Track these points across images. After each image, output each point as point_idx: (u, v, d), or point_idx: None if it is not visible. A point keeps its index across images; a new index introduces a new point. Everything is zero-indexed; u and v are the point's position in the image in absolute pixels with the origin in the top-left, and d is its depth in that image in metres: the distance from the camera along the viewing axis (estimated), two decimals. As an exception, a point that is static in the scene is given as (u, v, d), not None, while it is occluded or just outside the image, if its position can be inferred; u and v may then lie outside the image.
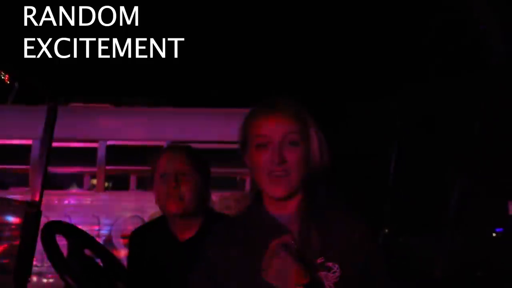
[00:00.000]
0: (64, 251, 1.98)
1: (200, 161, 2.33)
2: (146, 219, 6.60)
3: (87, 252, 2.03)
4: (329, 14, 10.77)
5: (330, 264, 1.58)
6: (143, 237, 2.40)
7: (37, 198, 2.48)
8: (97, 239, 6.69)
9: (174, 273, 2.13)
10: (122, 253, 6.59)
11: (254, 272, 1.56)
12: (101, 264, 2.10)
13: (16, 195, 6.61)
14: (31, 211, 2.44)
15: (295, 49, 11.27)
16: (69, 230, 2.02)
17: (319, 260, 1.58)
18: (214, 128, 7.06)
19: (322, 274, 1.57)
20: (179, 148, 2.38)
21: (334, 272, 1.57)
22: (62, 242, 2.03)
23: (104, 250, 2.15)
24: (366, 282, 1.57)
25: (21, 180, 7.47)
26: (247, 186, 7.41)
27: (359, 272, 1.56)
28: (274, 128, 1.63)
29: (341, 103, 10.19)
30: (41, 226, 2.21)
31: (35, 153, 6.60)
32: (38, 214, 2.52)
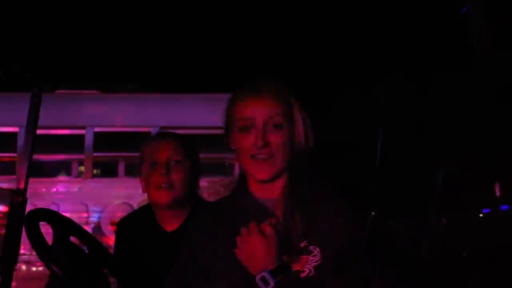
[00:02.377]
0: (49, 239, 1.97)
1: (190, 148, 2.28)
2: (135, 206, 6.60)
3: (73, 239, 2.02)
4: (319, 3, 10.75)
5: (312, 248, 1.58)
6: (129, 226, 2.37)
7: (22, 186, 2.46)
8: (86, 226, 6.70)
9: (161, 263, 2.11)
10: (111, 240, 6.58)
11: (234, 253, 1.57)
12: (87, 252, 2.09)
13: (2, 183, 6.58)
14: (16, 199, 2.42)
15: (284, 35, 11.24)
16: (54, 218, 2.00)
17: (302, 244, 1.58)
18: (202, 113, 7.05)
19: (304, 257, 1.58)
20: (169, 135, 2.33)
21: (314, 255, 1.57)
22: (48, 230, 2.02)
23: (90, 237, 2.14)
24: (346, 266, 1.57)
25: (8, 168, 7.43)
26: (236, 171, 7.41)
27: (339, 256, 1.57)
28: (257, 111, 1.61)
29: (329, 90, 10.20)
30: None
31: (21, 140, 6.56)
32: (24, 202, 2.51)
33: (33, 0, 10.81)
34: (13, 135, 6.79)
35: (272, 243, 1.53)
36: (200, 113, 7.13)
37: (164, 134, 2.39)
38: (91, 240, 2.11)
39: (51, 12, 11.05)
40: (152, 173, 2.20)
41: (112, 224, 6.82)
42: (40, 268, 6.22)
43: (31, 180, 2.48)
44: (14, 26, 10.58)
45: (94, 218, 6.91)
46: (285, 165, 1.64)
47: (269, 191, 1.67)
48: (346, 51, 10.33)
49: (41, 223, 1.96)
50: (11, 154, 7.15)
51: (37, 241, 1.83)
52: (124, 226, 2.41)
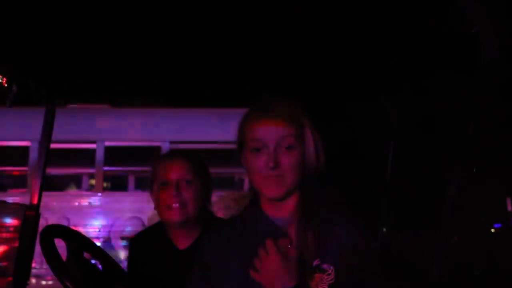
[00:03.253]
0: (63, 254, 1.98)
1: (201, 166, 2.27)
2: (145, 220, 6.61)
3: (86, 255, 2.03)
4: (325, 13, 10.77)
5: (325, 266, 1.57)
6: (142, 243, 2.36)
7: (35, 201, 2.49)
8: (96, 240, 6.71)
9: (173, 281, 2.11)
10: (121, 254, 6.60)
11: (250, 274, 1.56)
12: (100, 267, 2.10)
13: (14, 197, 6.62)
14: (29, 214, 2.44)
15: (291, 48, 11.26)
16: (68, 234, 2.02)
17: (315, 262, 1.58)
18: (212, 128, 7.07)
19: (318, 276, 1.57)
20: (179, 154, 2.32)
21: (329, 274, 1.56)
22: (61, 244, 2.04)
23: (103, 253, 2.15)
24: (360, 284, 1.56)
25: (19, 182, 7.48)
26: (246, 185, 7.42)
27: (353, 275, 1.57)
28: (269, 132, 1.61)
29: (337, 102, 10.19)
30: (39, 228, 2.20)
31: (33, 155, 6.61)
32: (37, 216, 2.53)
33: (42, 16, 10.92)
34: (23, 149, 6.84)
35: (291, 263, 1.53)
36: (210, 128, 7.14)
37: (175, 153, 2.39)
38: (104, 256, 2.12)
39: (63, 27, 11.15)
40: (163, 193, 2.19)
41: (122, 238, 6.82)
42: (51, 282, 6.24)
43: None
44: (27, 42, 10.68)
45: (104, 232, 6.92)
46: (296, 184, 1.64)
47: (281, 210, 1.66)
48: (354, 62, 10.32)
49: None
50: (22, 168, 7.19)
51: (52, 257, 1.84)
52: (137, 243, 2.41)
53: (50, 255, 1.85)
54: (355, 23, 10.16)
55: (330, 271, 1.57)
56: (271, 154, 1.61)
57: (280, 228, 1.64)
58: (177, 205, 2.15)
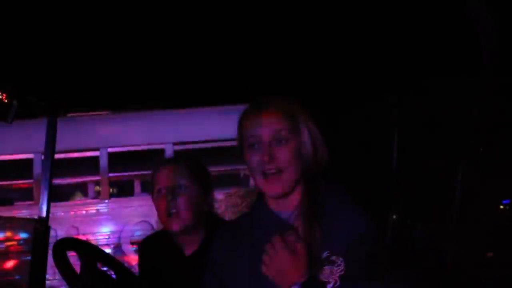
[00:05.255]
0: (76, 264, 1.98)
1: (198, 170, 2.28)
2: (154, 223, 6.61)
3: (99, 265, 2.03)
4: (333, 11, 10.76)
5: (334, 258, 1.58)
6: (151, 248, 2.37)
7: (44, 214, 2.48)
8: (106, 247, 6.71)
9: (180, 286, 2.11)
10: (132, 259, 6.60)
11: (258, 270, 1.57)
12: (114, 276, 2.10)
13: (21, 210, 6.62)
14: (39, 227, 2.44)
15: (301, 45, 11.24)
16: (80, 246, 2.02)
17: (324, 255, 1.58)
18: (214, 126, 7.05)
19: (327, 268, 1.57)
20: (174, 160, 2.33)
21: (338, 266, 1.57)
22: (72, 253, 2.04)
23: (116, 261, 2.15)
24: (371, 274, 1.56)
25: (25, 195, 7.47)
26: (251, 182, 7.41)
27: (363, 265, 1.56)
28: (262, 127, 1.64)
29: (343, 96, 10.21)
30: (51, 241, 2.20)
31: (37, 167, 6.60)
32: (47, 229, 2.52)
33: (38, 24, 10.90)
34: (26, 161, 6.83)
35: (300, 258, 1.53)
36: (212, 126, 7.12)
37: (170, 160, 2.39)
38: (118, 265, 2.12)
39: (58, 37, 11.14)
40: (158, 200, 2.21)
41: (132, 243, 6.82)
42: (64, 292, 6.24)
43: (49, 204, 2.49)
44: (24, 55, 10.68)
45: (113, 238, 6.92)
46: (296, 177, 1.66)
47: (286, 204, 1.68)
48: (360, 57, 10.34)
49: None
50: (26, 181, 7.18)
51: (65, 271, 1.84)
52: (145, 247, 2.42)
53: (64, 268, 1.85)
54: (361, 24, 10.19)
55: (339, 262, 1.57)
56: (265, 149, 1.63)
57: (286, 223, 1.65)
58: (173, 210, 2.15)
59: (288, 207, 1.67)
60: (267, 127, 1.64)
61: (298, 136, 1.66)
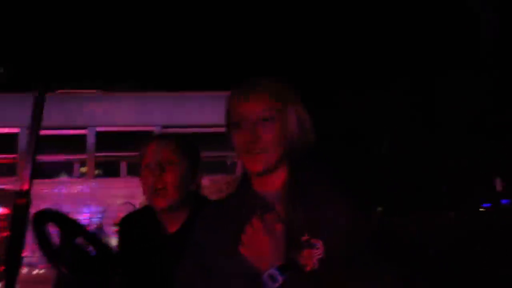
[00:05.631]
0: (55, 239, 1.94)
1: (188, 148, 2.25)
2: (138, 206, 6.56)
3: (79, 240, 1.99)
4: (325, 3, 10.74)
5: (314, 241, 1.55)
6: (132, 226, 2.34)
7: (26, 187, 2.44)
8: (89, 227, 6.66)
9: (162, 265, 2.09)
10: (114, 240, 6.56)
11: (238, 251, 1.56)
12: (94, 252, 2.07)
13: (4, 185, 6.56)
14: (20, 201, 2.39)
15: (294, 33, 11.20)
16: (60, 219, 1.98)
17: (304, 238, 1.56)
18: (204, 112, 7.02)
19: (307, 251, 1.56)
20: (166, 136, 2.31)
21: (317, 249, 1.55)
22: (53, 230, 2.00)
23: (96, 238, 2.11)
24: (352, 258, 1.54)
25: (10, 170, 7.40)
26: (238, 169, 7.39)
27: (343, 251, 1.54)
28: (248, 107, 1.64)
29: (338, 89, 10.22)
30: (31, 216, 2.16)
31: (22, 141, 6.53)
32: (28, 203, 2.48)
33: (29, 2, 10.79)
34: (11, 136, 6.76)
35: (278, 239, 1.52)
36: (201, 112, 7.10)
37: (160, 136, 2.36)
38: (97, 241, 2.08)
39: (50, 11, 11.02)
40: (147, 175, 2.17)
41: (114, 224, 6.79)
42: (42, 271, 6.19)
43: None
44: (14, 28, 10.56)
45: (96, 218, 6.88)
46: (279, 158, 1.64)
47: (269, 185, 1.66)
48: (354, 50, 10.34)
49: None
50: (11, 155, 7.11)
51: (44, 243, 1.80)
52: (126, 226, 2.39)
53: (42, 240, 1.81)
54: (361, 15, 10.19)
55: (319, 246, 1.55)
56: (250, 128, 1.63)
57: (268, 204, 1.63)
58: (160, 187, 2.12)
59: (272, 187, 1.66)
60: (254, 107, 1.64)
61: (285, 117, 1.65)
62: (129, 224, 2.35)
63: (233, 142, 1.67)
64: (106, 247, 2.10)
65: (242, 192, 1.72)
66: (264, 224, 1.53)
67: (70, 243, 1.92)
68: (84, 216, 6.80)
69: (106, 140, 7.13)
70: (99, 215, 6.88)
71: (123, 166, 7.99)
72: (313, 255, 1.55)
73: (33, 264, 5.79)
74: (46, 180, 7.03)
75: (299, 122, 1.67)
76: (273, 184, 1.66)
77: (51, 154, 7.34)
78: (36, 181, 2.64)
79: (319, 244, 1.55)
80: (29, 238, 2.12)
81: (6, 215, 2.54)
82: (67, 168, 8.47)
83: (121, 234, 2.34)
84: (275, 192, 1.65)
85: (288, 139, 1.65)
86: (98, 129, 6.98)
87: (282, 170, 1.66)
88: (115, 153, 7.72)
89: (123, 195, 6.82)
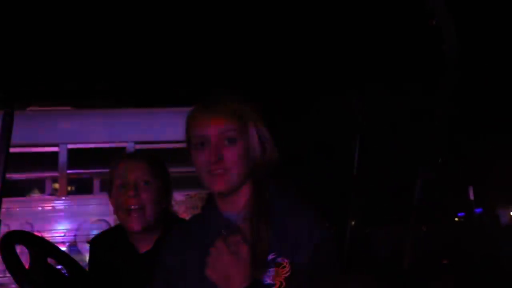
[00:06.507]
0: (26, 261, 1.91)
1: (160, 167, 2.24)
2: (112, 222, 6.51)
3: (51, 261, 1.96)
4: (290, 5, 10.81)
5: (280, 259, 1.56)
6: (103, 245, 2.32)
7: (-5, 207, 2.41)
8: (62, 245, 6.57)
9: (133, 285, 2.07)
10: (88, 258, 6.47)
11: (205, 274, 1.55)
12: (65, 273, 2.04)
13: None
14: (-11, 221, 2.36)
15: (256, 43, 11.26)
16: (30, 239, 1.95)
17: (270, 256, 1.57)
18: (176, 127, 6.96)
19: (272, 270, 1.56)
20: (136, 155, 2.29)
21: (284, 267, 1.55)
22: (24, 250, 1.97)
23: (68, 258, 2.08)
24: (317, 276, 1.55)
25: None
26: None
27: (310, 267, 1.55)
28: (210, 127, 1.63)
29: (304, 96, 10.24)
30: (1, 236, 2.13)
31: (-7, 160, 6.43)
32: (-3, 223, 2.45)
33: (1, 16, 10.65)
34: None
35: (244, 260, 1.52)
36: (174, 127, 6.98)
37: (132, 155, 2.35)
38: (69, 261, 2.06)
39: (18, 28, 10.91)
40: (121, 194, 2.15)
41: (88, 242, 6.70)
42: (15, 290, 6.08)
43: (3, 199, 2.41)
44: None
45: (69, 236, 6.79)
46: (242, 178, 1.65)
47: (233, 205, 1.66)
48: (321, 56, 10.38)
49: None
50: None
51: (13, 265, 1.77)
52: (97, 245, 2.36)
53: (12, 262, 1.78)
54: (324, 20, 10.25)
55: (285, 264, 1.56)
56: (213, 149, 1.62)
57: (233, 224, 1.63)
58: (136, 207, 2.10)
59: (236, 208, 1.66)
60: (215, 127, 1.63)
61: (247, 136, 1.65)
62: (100, 244, 2.33)
63: (194, 161, 1.67)
64: (78, 267, 2.08)
65: (207, 213, 1.72)
66: (229, 246, 1.53)
67: (41, 264, 1.89)
68: (58, 233, 6.71)
69: (78, 157, 7.06)
70: (73, 233, 6.79)
71: (96, 183, 7.91)
72: (280, 274, 1.56)
73: (4, 284, 5.69)
74: (17, 198, 6.93)
75: (261, 141, 1.68)
76: (237, 204, 1.66)
77: (23, 172, 7.25)
78: (6, 199, 2.61)
79: (286, 262, 1.56)
80: (0, 258, 2.08)
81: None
82: (39, 186, 8.36)
83: (92, 254, 2.32)
84: (239, 212, 1.65)
85: (251, 158, 1.66)
86: (70, 146, 6.91)
87: (246, 190, 1.67)
88: (87, 170, 7.65)
89: (96, 212, 6.75)
